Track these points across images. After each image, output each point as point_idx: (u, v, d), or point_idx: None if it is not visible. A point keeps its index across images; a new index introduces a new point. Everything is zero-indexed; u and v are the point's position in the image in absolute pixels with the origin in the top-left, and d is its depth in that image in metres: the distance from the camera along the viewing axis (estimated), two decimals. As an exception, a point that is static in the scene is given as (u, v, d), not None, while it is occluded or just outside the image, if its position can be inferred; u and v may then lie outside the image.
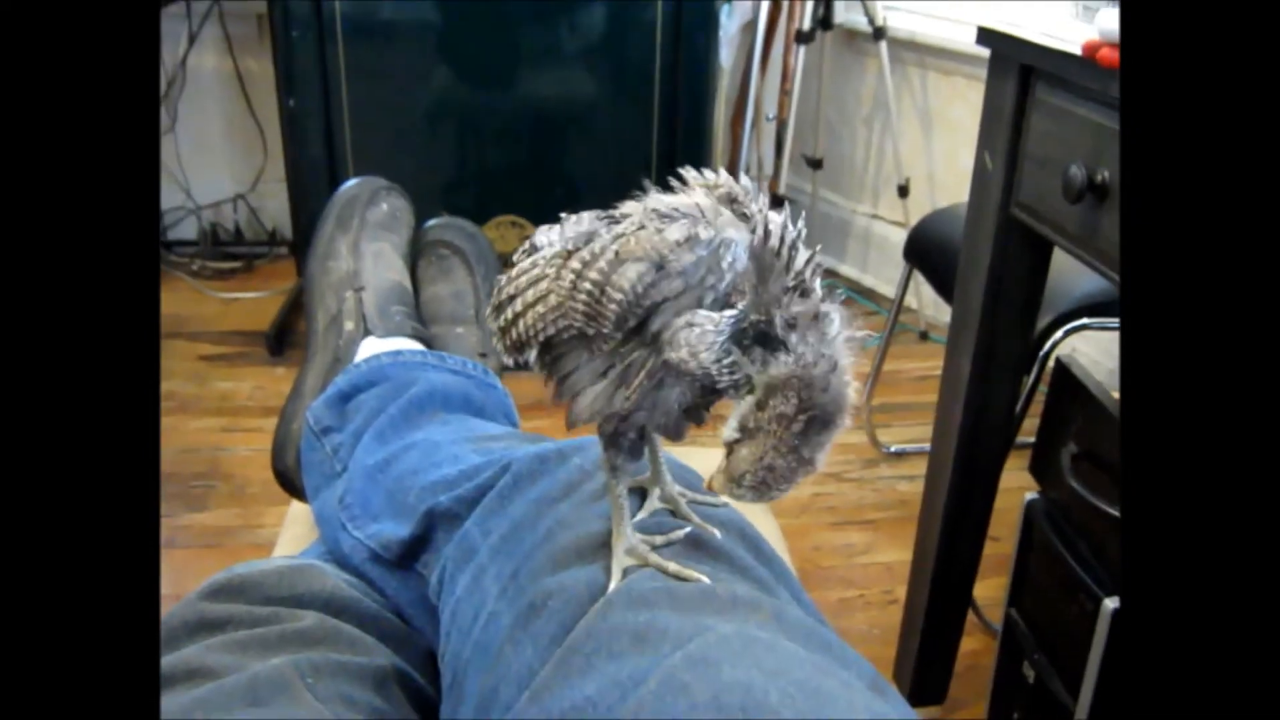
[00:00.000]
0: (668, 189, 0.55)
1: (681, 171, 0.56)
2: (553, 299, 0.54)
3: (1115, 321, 1.55)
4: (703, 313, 0.50)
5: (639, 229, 0.51)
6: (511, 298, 0.57)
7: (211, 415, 2.29)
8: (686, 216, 0.51)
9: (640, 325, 0.52)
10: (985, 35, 1.12)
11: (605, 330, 0.52)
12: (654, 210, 0.52)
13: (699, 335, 0.50)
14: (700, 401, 0.55)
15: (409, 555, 0.76)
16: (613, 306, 0.51)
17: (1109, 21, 0.87)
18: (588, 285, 0.52)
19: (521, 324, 0.56)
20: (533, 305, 0.56)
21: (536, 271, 0.56)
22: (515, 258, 0.59)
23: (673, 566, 0.57)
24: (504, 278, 0.59)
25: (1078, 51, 0.93)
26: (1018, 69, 1.09)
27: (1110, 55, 0.88)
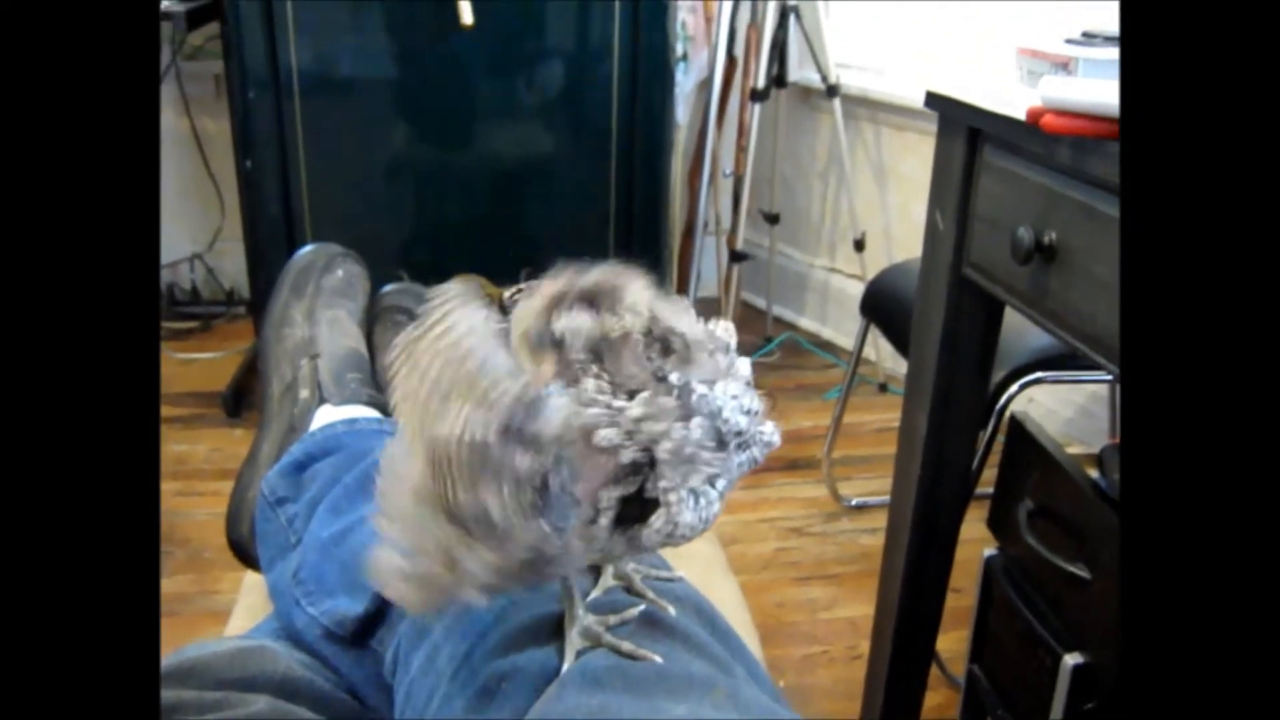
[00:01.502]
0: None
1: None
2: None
3: (1070, 375, 1.57)
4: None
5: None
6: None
7: (167, 479, 2.25)
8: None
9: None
10: (933, 99, 1.14)
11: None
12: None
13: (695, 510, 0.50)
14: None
15: (364, 632, 0.75)
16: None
17: (1051, 89, 0.89)
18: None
19: None
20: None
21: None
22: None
23: (626, 646, 0.57)
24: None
25: (1022, 117, 0.95)
26: (966, 131, 1.11)
27: (1053, 122, 0.89)
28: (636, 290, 0.51)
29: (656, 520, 0.50)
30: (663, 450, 0.48)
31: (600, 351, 0.50)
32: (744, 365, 0.52)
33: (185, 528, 2.08)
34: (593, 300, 0.51)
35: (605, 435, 0.49)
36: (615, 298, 0.51)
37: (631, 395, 0.49)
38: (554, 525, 0.50)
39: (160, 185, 2.97)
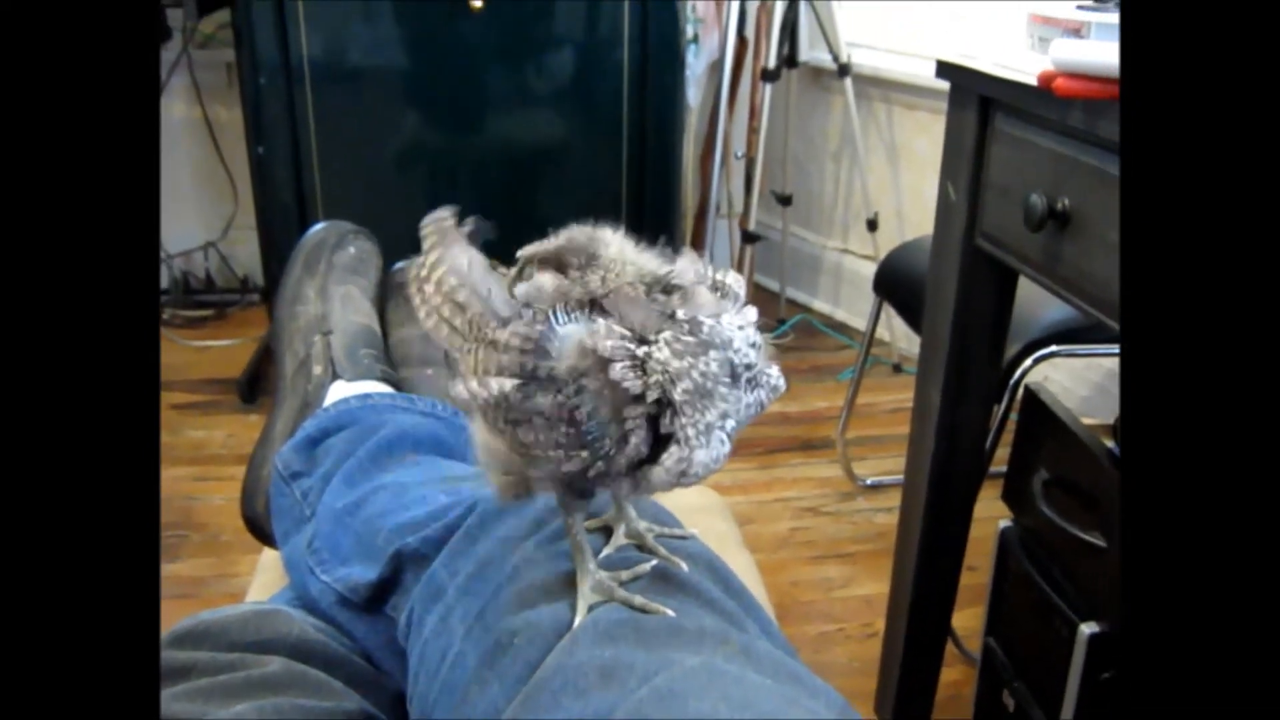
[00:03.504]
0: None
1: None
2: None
3: (1084, 348, 1.56)
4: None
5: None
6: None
7: (184, 464, 2.27)
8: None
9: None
10: (944, 68, 1.13)
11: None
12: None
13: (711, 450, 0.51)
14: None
15: (377, 598, 0.75)
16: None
17: (1062, 51, 0.88)
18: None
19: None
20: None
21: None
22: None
23: (638, 600, 0.57)
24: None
25: (1033, 82, 0.94)
26: (977, 100, 1.10)
27: (1066, 85, 0.89)
28: (614, 243, 0.52)
29: (669, 458, 0.50)
30: (680, 390, 0.49)
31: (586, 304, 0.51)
32: (750, 312, 0.53)
33: (202, 512, 2.09)
34: (559, 263, 0.52)
35: (621, 374, 0.49)
36: (590, 255, 0.52)
37: (651, 339, 0.50)
38: (594, 452, 0.51)
39: (160, 164, 2.97)
